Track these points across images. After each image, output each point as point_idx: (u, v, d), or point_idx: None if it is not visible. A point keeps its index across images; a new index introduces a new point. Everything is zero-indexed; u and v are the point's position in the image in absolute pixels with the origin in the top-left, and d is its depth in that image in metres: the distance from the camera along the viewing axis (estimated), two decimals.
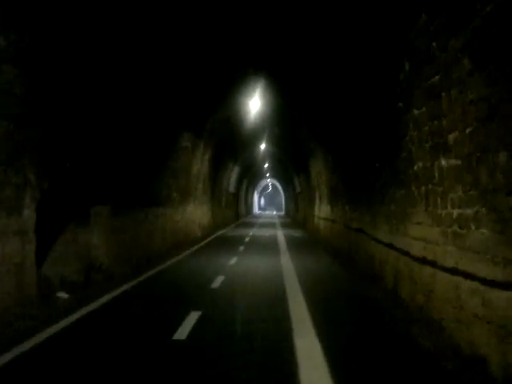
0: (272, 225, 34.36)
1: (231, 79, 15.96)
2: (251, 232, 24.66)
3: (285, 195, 64.18)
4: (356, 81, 9.84)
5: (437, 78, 5.25)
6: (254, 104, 18.59)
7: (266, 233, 24.45)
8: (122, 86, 10.02)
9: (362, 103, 9.76)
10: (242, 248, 16.22)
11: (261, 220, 43.23)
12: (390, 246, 8.10)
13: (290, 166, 34.61)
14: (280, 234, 23.29)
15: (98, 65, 8.60)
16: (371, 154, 9.41)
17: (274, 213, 75.05)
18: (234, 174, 33.84)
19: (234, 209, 39.32)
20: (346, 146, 12.46)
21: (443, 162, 5.48)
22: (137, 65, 10.35)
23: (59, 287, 8.87)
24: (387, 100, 7.64)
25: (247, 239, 20.12)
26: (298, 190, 35.05)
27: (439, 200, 5.68)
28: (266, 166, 44.83)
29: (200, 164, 20.01)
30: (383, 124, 8.19)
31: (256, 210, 79.28)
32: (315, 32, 10.38)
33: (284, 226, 33.12)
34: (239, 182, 39.43)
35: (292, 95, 16.88)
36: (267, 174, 56.47)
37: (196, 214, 20.44)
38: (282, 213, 69.22)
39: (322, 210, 19.45)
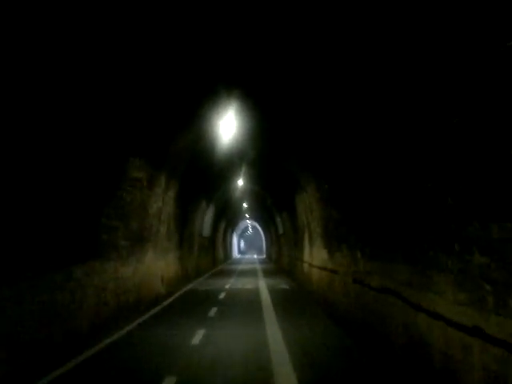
0: (253, 272, 30.25)
1: (197, 97, 12.52)
2: (228, 284, 20.55)
3: (265, 237, 60.16)
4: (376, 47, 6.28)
5: None
6: (228, 130, 15.23)
7: (246, 284, 20.37)
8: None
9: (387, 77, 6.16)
10: (213, 311, 12.16)
11: (241, 266, 39.05)
12: (477, 332, 4.32)
13: (270, 204, 30.96)
14: (263, 287, 19.25)
15: None
16: (411, 168, 5.75)
17: (255, 256, 70.94)
18: (208, 215, 29.96)
19: (211, 255, 35.14)
20: (352, 165, 8.82)
21: None
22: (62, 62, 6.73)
23: None
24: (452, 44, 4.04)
25: (222, 295, 16.05)
26: (281, 231, 31.25)
27: None
28: (245, 205, 41.18)
29: (162, 202, 16.15)
30: (447, 100, 4.55)
31: (236, 253, 74.86)
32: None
33: (267, 273, 29.03)
34: (215, 224, 35.49)
35: (273, 114, 13.46)
36: (246, 215, 52.70)
37: (158, 265, 16.38)
38: (264, 256, 65.11)
39: (314, 256, 15.63)
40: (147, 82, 9.95)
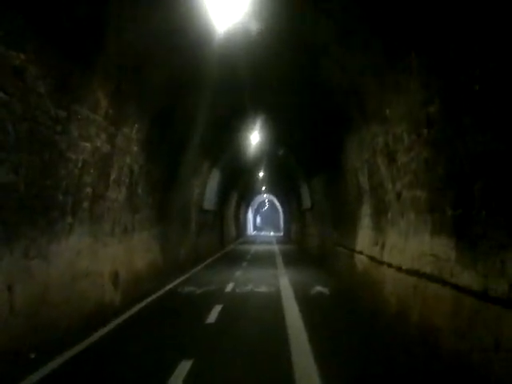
0: (271, 258, 23.13)
1: None
2: (232, 281, 13.36)
3: (284, 213, 52.89)
4: None
5: None
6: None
7: (260, 283, 13.13)
8: None
9: None
10: (186, 368, 4.97)
11: (255, 247, 32.00)
12: None
13: (294, 167, 23.62)
14: (288, 289, 12.07)
15: None
16: None
17: (272, 234, 64.14)
18: (212, 181, 22.77)
19: (217, 233, 28.08)
20: None
21: None
22: None
23: None
24: None
25: (216, 312, 8.85)
26: (308, 204, 23.95)
27: None
28: (261, 174, 33.91)
29: (109, 144, 8.94)
30: None
31: (251, 230, 67.94)
32: None
33: (289, 260, 21.77)
34: (223, 194, 28.30)
35: None
36: (263, 188, 45.46)
37: (105, 255, 9.29)
38: (281, 234, 58.14)
39: (390, 247, 8.34)
40: None
